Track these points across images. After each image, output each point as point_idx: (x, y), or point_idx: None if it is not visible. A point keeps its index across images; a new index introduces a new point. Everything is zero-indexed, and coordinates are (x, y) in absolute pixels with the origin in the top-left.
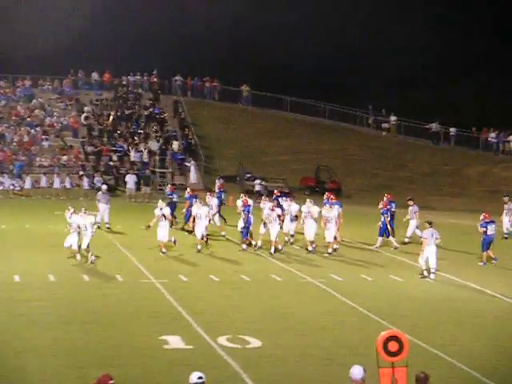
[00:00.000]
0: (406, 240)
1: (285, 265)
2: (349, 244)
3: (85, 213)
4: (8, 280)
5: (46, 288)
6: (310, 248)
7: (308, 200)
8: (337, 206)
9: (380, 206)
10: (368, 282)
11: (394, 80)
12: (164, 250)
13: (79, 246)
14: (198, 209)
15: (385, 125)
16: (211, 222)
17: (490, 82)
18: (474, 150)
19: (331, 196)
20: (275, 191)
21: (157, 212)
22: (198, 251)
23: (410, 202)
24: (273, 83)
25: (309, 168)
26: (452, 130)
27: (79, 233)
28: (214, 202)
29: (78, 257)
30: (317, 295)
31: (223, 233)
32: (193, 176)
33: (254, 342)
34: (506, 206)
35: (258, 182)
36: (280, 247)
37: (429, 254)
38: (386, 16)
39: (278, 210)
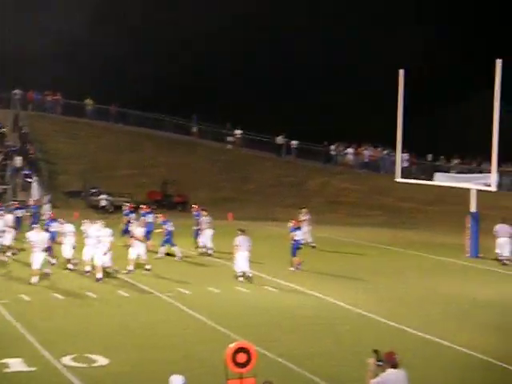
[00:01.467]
0: (209, 251)
1: (131, 280)
2: (193, 257)
3: None
4: None
5: None
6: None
7: (84, 221)
8: (152, 215)
9: (158, 219)
10: (215, 294)
11: (241, 94)
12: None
13: None
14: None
15: (230, 138)
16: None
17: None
18: (315, 162)
19: (143, 207)
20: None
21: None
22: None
23: (204, 213)
24: (118, 97)
25: (156, 182)
26: (294, 142)
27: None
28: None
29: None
30: (165, 310)
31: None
32: (35, 192)
33: (101, 360)
34: (305, 217)
35: (103, 196)
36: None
37: (242, 260)
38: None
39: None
